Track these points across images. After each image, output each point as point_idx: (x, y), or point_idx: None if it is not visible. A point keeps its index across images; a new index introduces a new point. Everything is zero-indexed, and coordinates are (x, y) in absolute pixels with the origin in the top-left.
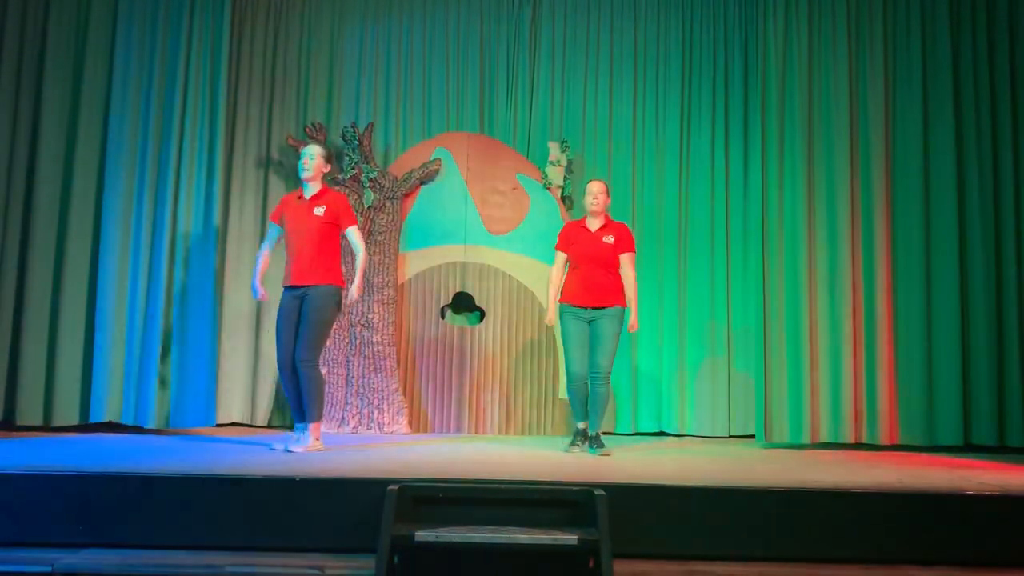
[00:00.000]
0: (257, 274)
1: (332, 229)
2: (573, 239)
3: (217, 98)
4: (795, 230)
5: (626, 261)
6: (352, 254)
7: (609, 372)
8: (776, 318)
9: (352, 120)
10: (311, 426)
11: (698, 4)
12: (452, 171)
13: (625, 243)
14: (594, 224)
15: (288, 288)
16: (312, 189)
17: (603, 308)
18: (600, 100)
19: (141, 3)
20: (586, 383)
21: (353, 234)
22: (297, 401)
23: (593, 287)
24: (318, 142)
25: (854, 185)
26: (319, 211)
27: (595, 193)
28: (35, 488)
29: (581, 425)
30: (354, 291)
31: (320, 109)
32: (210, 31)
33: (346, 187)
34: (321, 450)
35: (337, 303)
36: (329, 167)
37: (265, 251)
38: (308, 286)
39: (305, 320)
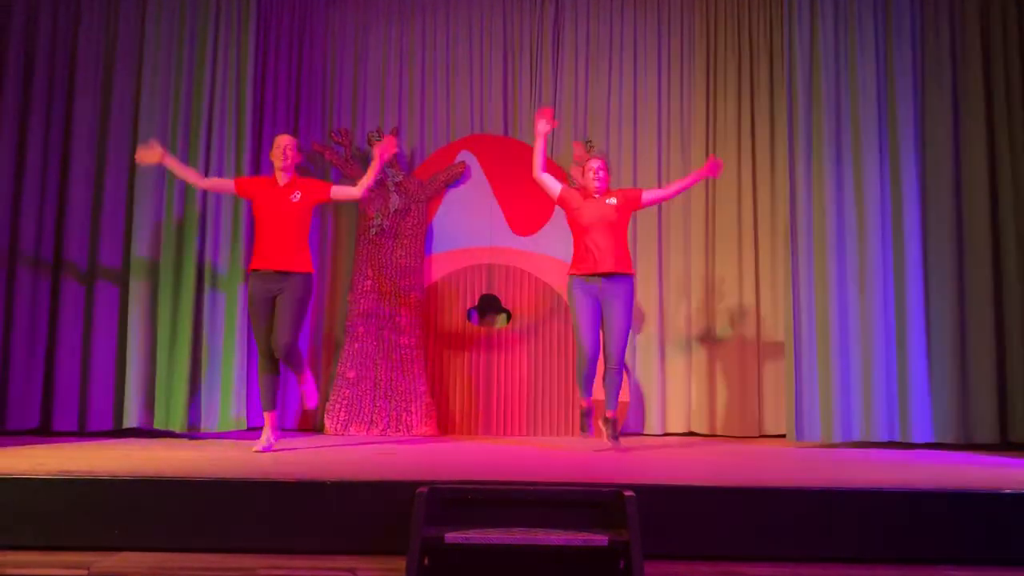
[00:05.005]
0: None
1: (308, 213)
2: (577, 202)
3: (243, 106)
4: (824, 227)
5: (646, 195)
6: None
7: (623, 357)
8: (806, 316)
9: (376, 124)
10: (306, 376)
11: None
12: (477, 173)
13: (628, 195)
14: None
15: (259, 272)
16: (285, 177)
17: (614, 275)
18: (624, 99)
19: (168, 12)
20: (595, 363)
21: (338, 189)
22: (273, 388)
23: (603, 249)
24: (340, 143)
25: (884, 181)
26: (296, 197)
27: (596, 168)
28: (71, 493)
29: (585, 403)
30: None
31: (345, 114)
32: (235, 39)
33: (372, 192)
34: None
35: (311, 291)
36: (301, 157)
37: (199, 179)
38: (286, 272)
39: (287, 307)
